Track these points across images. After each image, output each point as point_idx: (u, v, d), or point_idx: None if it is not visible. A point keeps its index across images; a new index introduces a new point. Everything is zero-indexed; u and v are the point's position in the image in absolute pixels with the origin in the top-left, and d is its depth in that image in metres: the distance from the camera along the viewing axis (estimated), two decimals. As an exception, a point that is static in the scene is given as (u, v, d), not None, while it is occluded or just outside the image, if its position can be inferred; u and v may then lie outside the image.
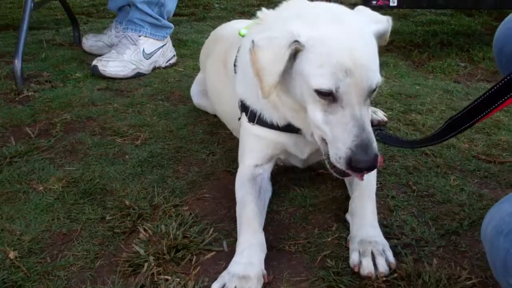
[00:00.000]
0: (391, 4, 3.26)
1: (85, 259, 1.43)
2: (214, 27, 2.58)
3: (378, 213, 1.52)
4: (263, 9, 1.56)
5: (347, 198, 1.63)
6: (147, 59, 3.04)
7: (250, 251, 1.36)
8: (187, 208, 1.67)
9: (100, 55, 3.05)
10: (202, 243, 1.48)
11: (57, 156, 2.01)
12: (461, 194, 1.73)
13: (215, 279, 1.31)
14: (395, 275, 1.32)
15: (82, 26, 4.06)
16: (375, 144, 1.29)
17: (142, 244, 1.48)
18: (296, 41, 1.29)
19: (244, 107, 1.63)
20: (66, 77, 2.93)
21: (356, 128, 1.27)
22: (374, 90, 1.32)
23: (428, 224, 1.57)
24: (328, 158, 1.39)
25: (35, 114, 2.41)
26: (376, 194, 1.58)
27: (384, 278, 1.31)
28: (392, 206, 1.67)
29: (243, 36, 1.65)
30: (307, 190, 1.77)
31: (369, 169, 1.29)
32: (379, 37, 1.43)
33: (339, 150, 1.29)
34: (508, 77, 1.25)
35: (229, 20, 2.48)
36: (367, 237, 1.39)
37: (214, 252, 1.46)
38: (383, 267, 1.32)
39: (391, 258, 1.35)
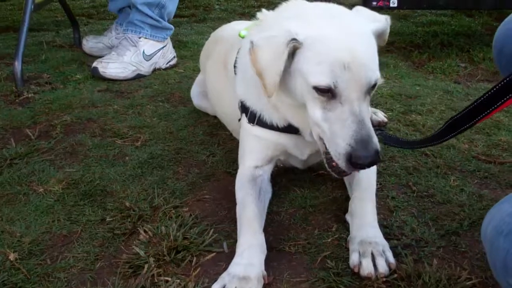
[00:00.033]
0: (391, 5, 3.26)
1: (85, 261, 1.44)
2: (214, 29, 2.58)
3: (378, 214, 1.52)
4: (263, 10, 1.57)
5: (347, 198, 1.63)
6: (147, 60, 3.04)
7: (250, 252, 1.36)
8: (187, 210, 1.67)
9: (100, 57, 3.05)
10: (202, 244, 1.48)
11: (57, 157, 2.02)
12: (461, 195, 1.73)
13: (215, 280, 1.31)
14: (395, 275, 1.32)
15: (82, 27, 4.06)
16: (375, 139, 1.29)
17: (142, 245, 1.48)
18: (294, 39, 1.30)
19: (244, 108, 1.63)
20: (66, 79, 2.94)
21: (355, 124, 1.27)
22: (373, 86, 1.32)
23: (428, 224, 1.57)
24: (326, 157, 1.39)
25: (35, 115, 2.41)
26: (376, 195, 1.58)
27: (384, 279, 1.31)
28: (392, 206, 1.66)
29: (243, 37, 1.65)
30: (307, 191, 1.77)
31: (370, 165, 1.29)
32: (378, 36, 1.43)
33: (338, 146, 1.29)
34: (508, 78, 1.25)
35: (229, 22, 2.48)
36: (367, 237, 1.39)
37: (214, 253, 1.46)
38: (383, 268, 1.32)
39: (391, 259, 1.35)
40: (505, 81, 1.27)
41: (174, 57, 3.27)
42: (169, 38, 3.21)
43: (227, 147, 2.12)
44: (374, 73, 1.30)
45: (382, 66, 3.12)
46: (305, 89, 1.34)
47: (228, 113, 1.95)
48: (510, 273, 1.00)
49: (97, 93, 2.74)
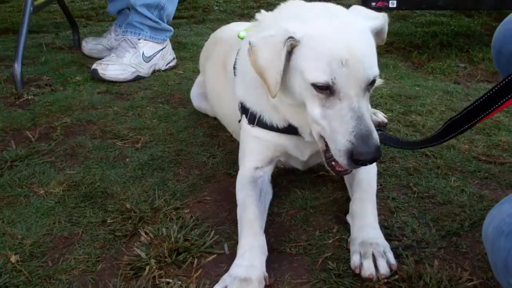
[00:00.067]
0: (390, 5, 3.26)
1: (87, 263, 1.44)
2: (213, 30, 2.58)
3: (379, 215, 1.52)
4: (262, 11, 1.58)
5: (348, 199, 1.63)
6: (146, 62, 3.04)
7: (251, 253, 1.36)
8: (188, 211, 1.67)
9: (99, 58, 3.05)
10: (203, 246, 1.48)
11: (57, 159, 2.02)
12: (461, 195, 1.73)
13: (217, 282, 1.31)
14: (396, 276, 1.32)
15: (81, 29, 4.07)
16: (375, 134, 1.28)
17: (143, 247, 1.48)
18: (291, 37, 1.30)
19: (244, 109, 1.63)
20: (66, 81, 2.94)
21: (354, 120, 1.27)
22: (372, 83, 1.32)
23: (429, 225, 1.57)
24: (325, 155, 1.39)
25: (35, 117, 2.41)
26: (377, 196, 1.58)
27: (385, 280, 1.31)
28: (393, 207, 1.67)
29: (242, 38, 1.65)
30: (307, 192, 1.77)
31: (372, 161, 1.29)
32: (377, 34, 1.43)
33: (338, 143, 1.29)
34: (508, 79, 1.26)
35: (228, 23, 2.48)
36: (368, 238, 1.39)
37: (215, 255, 1.46)
38: (384, 269, 1.32)
39: (392, 260, 1.35)
40: (504, 81, 1.27)
41: (174, 58, 3.27)
42: (168, 39, 3.21)
43: (227, 148, 2.12)
44: (372, 69, 1.31)
45: (382, 66, 3.13)
46: (303, 86, 1.34)
47: (228, 114, 1.95)
48: (511, 273, 1.00)
49: (97, 95, 2.74)
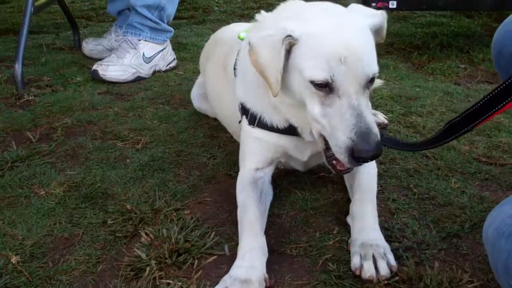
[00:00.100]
0: (390, 6, 3.26)
1: (87, 264, 1.44)
2: (213, 30, 2.58)
3: (379, 216, 1.53)
4: (262, 12, 1.58)
5: (348, 201, 1.63)
6: (147, 63, 3.04)
7: (251, 254, 1.36)
8: (188, 212, 1.67)
9: (100, 59, 3.05)
10: (203, 247, 1.48)
11: (58, 160, 2.02)
12: (462, 197, 1.73)
13: (217, 283, 1.31)
14: (397, 278, 1.32)
15: (82, 30, 4.07)
16: (375, 131, 1.28)
17: (144, 248, 1.48)
18: (289, 35, 1.31)
19: (244, 110, 1.63)
20: (66, 81, 2.94)
21: (354, 117, 1.27)
22: (372, 80, 1.33)
23: (429, 227, 1.57)
24: (326, 154, 1.40)
25: (36, 118, 2.41)
26: (377, 197, 1.58)
27: (386, 282, 1.31)
28: (393, 209, 1.67)
29: (242, 39, 1.66)
30: (308, 194, 1.77)
31: (372, 158, 1.29)
32: (376, 31, 1.43)
33: (338, 141, 1.29)
34: (509, 81, 1.26)
35: (228, 23, 2.48)
36: (368, 240, 1.39)
37: (215, 256, 1.46)
38: (384, 270, 1.32)
39: (393, 261, 1.35)
40: (505, 84, 1.27)
41: (174, 59, 3.27)
42: (168, 40, 3.22)
43: (228, 149, 2.12)
44: (371, 67, 1.31)
45: (382, 67, 3.13)
46: (302, 85, 1.34)
47: (228, 115, 1.95)
48: (511, 275, 1.00)
49: (97, 96, 2.74)
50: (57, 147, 2.12)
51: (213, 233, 1.55)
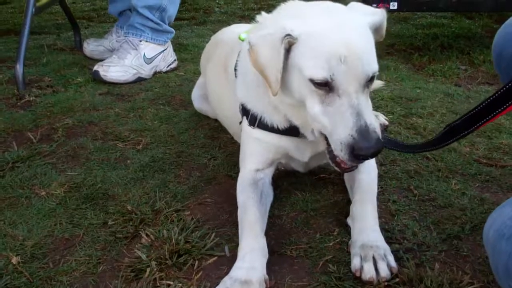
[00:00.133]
0: (391, 7, 3.26)
1: (88, 264, 1.44)
2: (214, 31, 2.59)
3: (380, 218, 1.53)
4: (263, 13, 1.58)
5: (348, 202, 1.63)
6: (148, 63, 3.04)
7: (252, 255, 1.36)
8: (188, 213, 1.67)
9: (101, 60, 3.06)
10: (204, 248, 1.48)
11: (59, 161, 2.02)
12: (462, 198, 1.73)
13: (217, 284, 1.31)
14: (397, 280, 1.32)
15: (83, 30, 4.07)
16: (375, 129, 1.28)
17: (144, 249, 1.48)
18: (288, 34, 1.31)
19: (244, 111, 1.63)
20: (67, 82, 2.94)
21: (354, 116, 1.27)
22: (371, 79, 1.33)
23: (429, 228, 1.57)
24: (329, 152, 1.40)
25: (36, 119, 2.41)
26: (377, 199, 1.58)
27: (386, 283, 1.31)
28: (394, 210, 1.67)
29: (243, 40, 1.66)
30: (308, 195, 1.78)
31: (373, 156, 1.30)
32: (375, 29, 1.43)
33: (339, 139, 1.30)
34: (509, 85, 1.26)
35: (229, 24, 2.49)
36: (369, 241, 1.39)
37: (216, 257, 1.46)
38: (384, 272, 1.32)
39: (393, 263, 1.35)
40: (506, 87, 1.27)
41: (175, 60, 3.28)
42: (170, 41, 3.22)
43: (228, 150, 2.12)
44: (371, 66, 1.31)
45: (383, 68, 3.13)
46: (302, 84, 1.34)
47: (228, 116, 1.95)
48: (512, 277, 1.00)
49: (98, 96, 2.74)
50: (58, 148, 2.12)
51: (214, 234, 1.55)
